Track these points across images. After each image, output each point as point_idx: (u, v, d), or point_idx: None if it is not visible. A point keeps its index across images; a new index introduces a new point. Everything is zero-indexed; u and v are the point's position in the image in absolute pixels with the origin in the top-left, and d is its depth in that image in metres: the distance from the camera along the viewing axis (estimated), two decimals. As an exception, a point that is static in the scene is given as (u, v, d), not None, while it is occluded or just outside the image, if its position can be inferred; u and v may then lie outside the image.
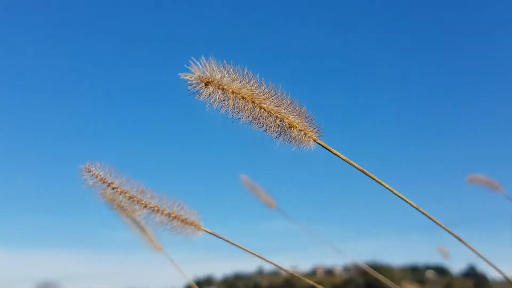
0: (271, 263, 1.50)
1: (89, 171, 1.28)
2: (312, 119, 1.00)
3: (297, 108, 0.97)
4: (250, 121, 0.95)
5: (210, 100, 0.87)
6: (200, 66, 0.85)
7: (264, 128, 0.98)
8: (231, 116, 0.91)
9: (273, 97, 0.96)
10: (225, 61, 0.86)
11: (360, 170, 1.11)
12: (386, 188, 1.09)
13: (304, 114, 0.98)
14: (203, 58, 0.83)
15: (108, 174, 1.31)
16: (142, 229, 1.92)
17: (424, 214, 1.19)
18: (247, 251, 1.51)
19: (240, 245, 1.48)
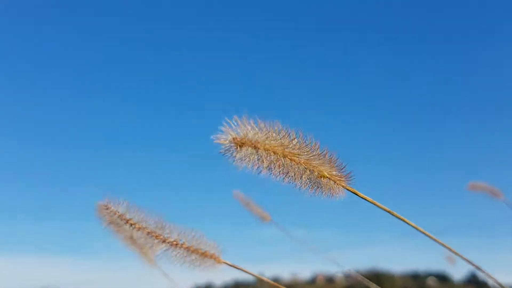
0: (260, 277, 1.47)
1: (107, 208, 1.24)
2: (341, 166, 0.96)
3: (327, 156, 0.95)
4: (280, 175, 0.91)
5: (244, 161, 0.83)
6: (233, 125, 0.81)
7: (293, 180, 0.94)
8: (262, 173, 0.87)
9: (304, 149, 0.92)
10: (256, 117, 0.82)
11: (390, 213, 1.08)
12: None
13: (333, 162, 0.96)
14: (236, 117, 0.79)
15: (127, 210, 1.28)
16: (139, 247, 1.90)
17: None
18: (263, 279, 1.49)
19: (259, 276, 1.46)
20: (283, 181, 0.92)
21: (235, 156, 0.84)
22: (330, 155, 0.94)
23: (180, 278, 1.89)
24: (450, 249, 1.15)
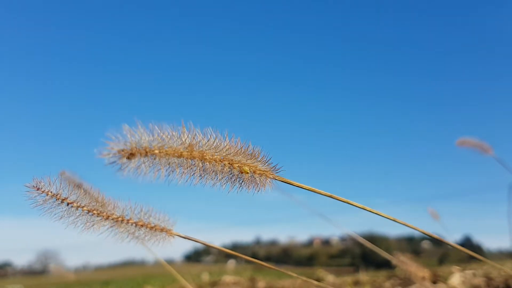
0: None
1: (38, 189, 1.13)
2: (265, 158, 0.89)
3: (248, 150, 0.88)
4: (192, 177, 0.85)
5: (137, 172, 0.71)
6: (119, 137, 0.68)
7: (209, 179, 0.88)
8: (166, 179, 0.76)
9: (218, 146, 0.81)
10: (152, 122, 0.71)
11: (328, 196, 0.98)
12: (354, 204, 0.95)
13: (256, 155, 0.89)
14: (125, 126, 0.65)
15: (62, 189, 1.16)
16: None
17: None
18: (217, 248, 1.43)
19: (208, 243, 1.40)
20: (195, 182, 0.85)
21: (124, 169, 0.71)
22: (252, 150, 0.86)
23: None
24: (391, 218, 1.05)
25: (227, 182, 0.86)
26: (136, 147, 0.73)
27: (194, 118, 0.79)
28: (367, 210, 1.01)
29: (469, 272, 4.33)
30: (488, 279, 3.70)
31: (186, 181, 0.80)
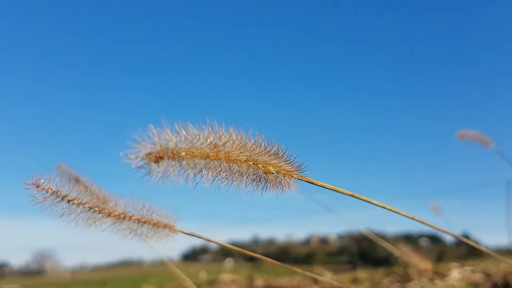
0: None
1: (37, 186, 1.10)
2: (289, 158, 0.86)
3: (272, 149, 0.84)
4: (217, 179, 0.81)
5: (165, 176, 0.72)
6: (147, 138, 0.69)
7: (234, 182, 0.83)
8: (193, 182, 0.76)
9: (243, 146, 0.79)
10: (179, 122, 0.70)
11: (349, 195, 0.96)
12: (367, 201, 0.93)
13: (280, 154, 0.85)
14: (152, 127, 0.64)
15: (62, 186, 1.14)
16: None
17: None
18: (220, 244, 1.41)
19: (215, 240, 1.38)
20: (220, 184, 0.81)
21: (152, 173, 0.68)
22: (277, 149, 0.83)
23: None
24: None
25: (251, 183, 0.83)
26: (164, 150, 0.69)
27: (217, 116, 0.76)
28: (388, 209, 1.00)
29: (467, 268, 4.33)
30: (487, 275, 3.69)
31: (212, 183, 0.77)
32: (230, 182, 0.80)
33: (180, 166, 0.73)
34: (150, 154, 0.68)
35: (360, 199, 0.93)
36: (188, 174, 0.74)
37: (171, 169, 0.71)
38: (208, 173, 0.77)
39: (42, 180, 1.11)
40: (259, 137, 0.79)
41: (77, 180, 1.47)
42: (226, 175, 0.79)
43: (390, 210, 0.97)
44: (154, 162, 0.69)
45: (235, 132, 0.77)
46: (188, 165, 0.74)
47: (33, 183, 1.10)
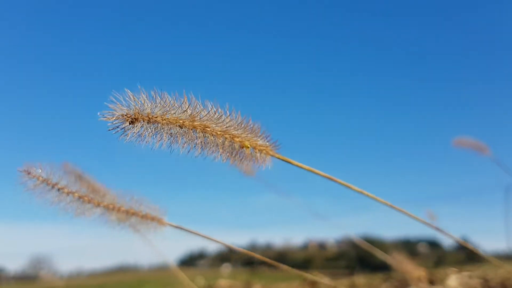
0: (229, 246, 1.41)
1: (29, 173, 1.12)
2: (266, 134, 0.89)
3: (249, 125, 0.87)
4: (194, 148, 0.82)
5: (140, 138, 0.76)
6: (123, 101, 0.73)
7: (209, 152, 0.83)
8: (169, 148, 0.76)
9: (219, 119, 0.79)
10: (155, 90, 0.73)
11: (327, 177, 0.97)
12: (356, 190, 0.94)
13: (257, 130, 0.89)
14: (128, 91, 0.66)
15: (52, 174, 1.15)
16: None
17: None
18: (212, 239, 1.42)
19: (204, 234, 1.38)
20: (196, 154, 0.84)
21: (127, 133, 0.70)
22: (253, 126, 0.85)
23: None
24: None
25: (227, 156, 0.85)
26: (139, 113, 0.73)
27: (196, 90, 0.79)
28: (380, 201, 1.01)
29: (465, 273, 4.32)
30: (485, 280, 3.68)
31: (188, 152, 0.80)
32: (206, 153, 0.83)
33: (155, 130, 0.77)
34: (125, 115, 0.72)
35: (339, 183, 0.94)
36: (163, 139, 0.76)
37: (146, 132, 0.75)
38: (184, 141, 0.80)
39: (34, 168, 1.12)
40: (235, 112, 0.81)
41: (70, 171, 1.48)
42: (202, 145, 0.82)
43: (383, 202, 0.98)
44: (130, 123, 0.72)
45: (211, 106, 0.80)
46: (163, 130, 0.77)
47: (24, 170, 1.12)
